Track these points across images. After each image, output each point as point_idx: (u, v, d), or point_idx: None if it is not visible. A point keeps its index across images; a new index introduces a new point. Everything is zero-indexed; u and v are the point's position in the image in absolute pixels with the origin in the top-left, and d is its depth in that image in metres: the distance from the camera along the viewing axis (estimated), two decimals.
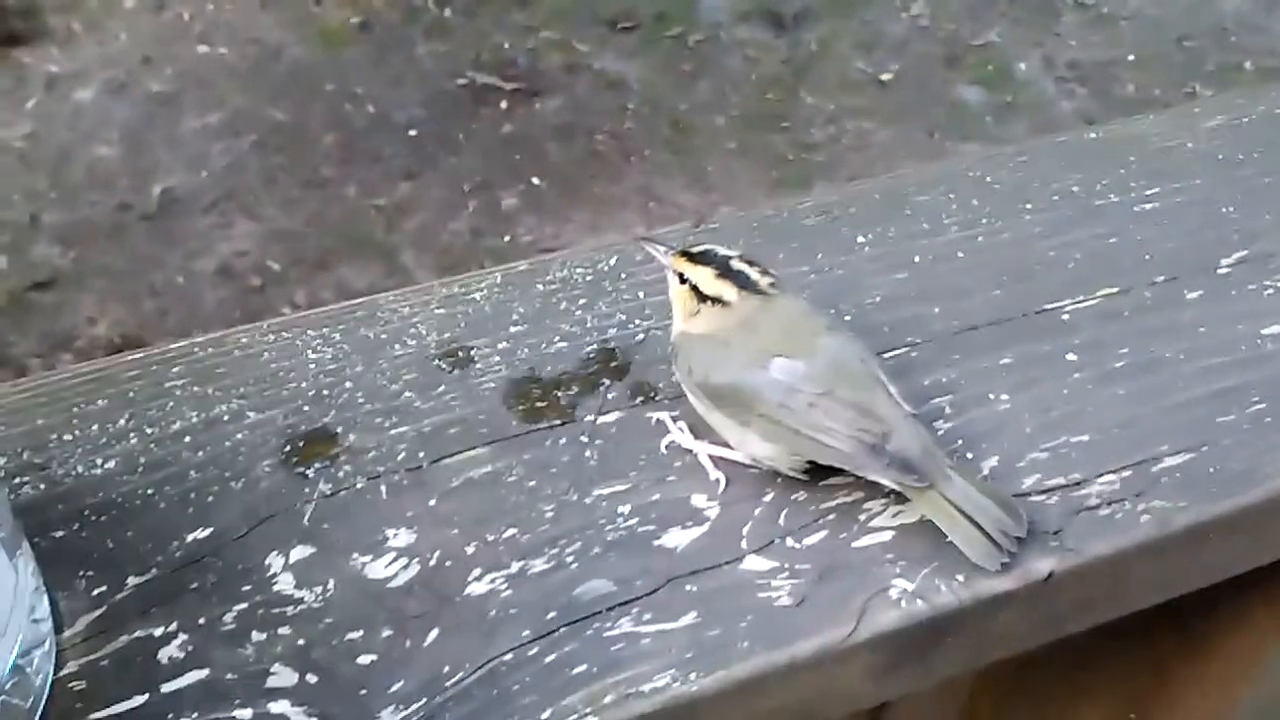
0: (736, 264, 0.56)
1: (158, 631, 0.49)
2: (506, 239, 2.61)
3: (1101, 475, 0.55)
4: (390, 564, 0.52)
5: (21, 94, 2.85)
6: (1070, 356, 0.60)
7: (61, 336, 2.36)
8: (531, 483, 0.55)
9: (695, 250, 0.57)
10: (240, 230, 2.65)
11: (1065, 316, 0.62)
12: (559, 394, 0.58)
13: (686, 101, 2.92)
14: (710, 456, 0.56)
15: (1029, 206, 0.68)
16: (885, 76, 3.05)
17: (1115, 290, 0.63)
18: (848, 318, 0.61)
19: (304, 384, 0.58)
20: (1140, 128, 0.73)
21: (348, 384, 0.58)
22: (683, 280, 0.56)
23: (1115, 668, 0.78)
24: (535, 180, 2.74)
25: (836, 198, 0.68)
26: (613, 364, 0.60)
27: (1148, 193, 0.69)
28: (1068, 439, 0.57)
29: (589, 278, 0.63)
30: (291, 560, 0.52)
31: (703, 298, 0.56)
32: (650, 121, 2.87)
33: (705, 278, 0.56)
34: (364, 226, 2.65)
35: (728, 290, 0.55)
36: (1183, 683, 0.74)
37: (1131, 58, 3.09)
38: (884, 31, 3.15)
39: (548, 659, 0.49)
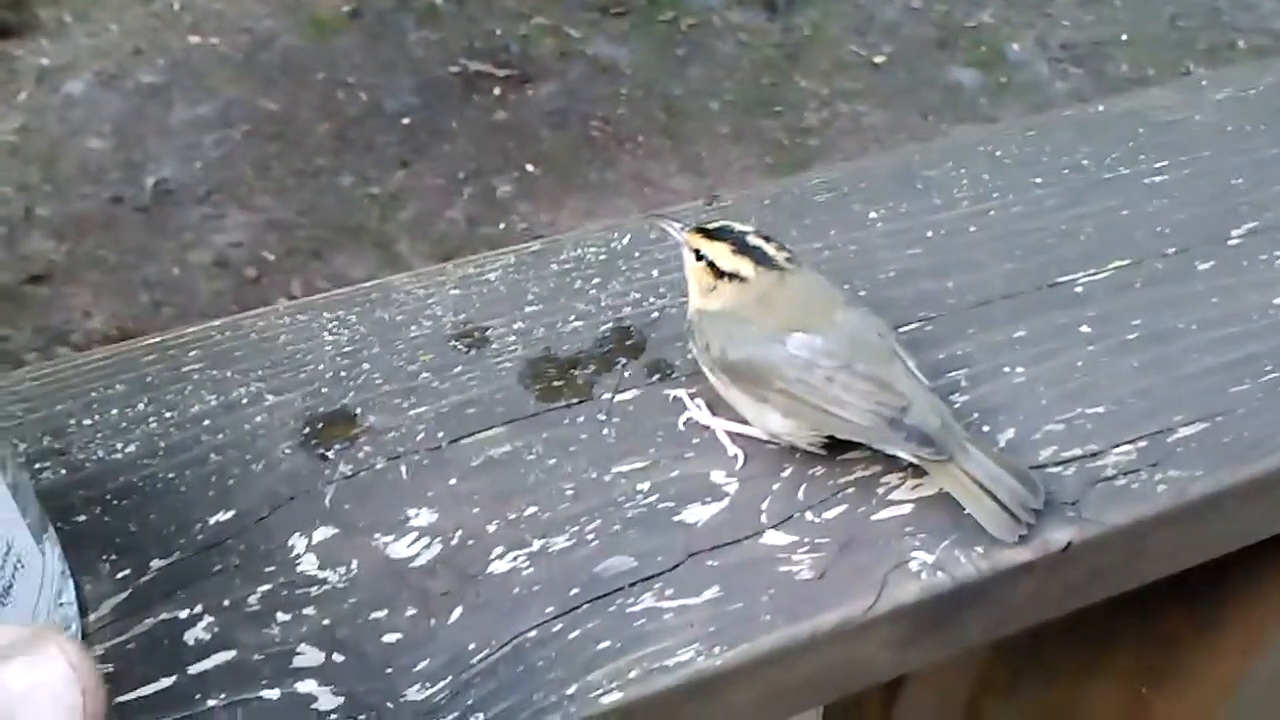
0: (753, 239, 0.56)
1: (183, 614, 0.49)
2: (501, 226, 2.61)
3: (1117, 446, 0.56)
4: (412, 543, 0.52)
5: (12, 87, 2.84)
6: (1084, 329, 0.60)
7: (57, 330, 2.35)
8: (551, 461, 0.55)
9: (711, 226, 0.57)
10: (234, 221, 2.64)
11: (1078, 289, 0.62)
12: (576, 373, 0.58)
13: (680, 86, 2.92)
14: (728, 432, 0.56)
15: (1039, 180, 0.68)
16: (878, 59, 3.05)
17: (1127, 262, 0.63)
18: (862, 293, 0.62)
19: (321, 366, 0.59)
20: (1147, 101, 0.73)
21: (365, 365, 0.58)
22: (699, 257, 0.57)
23: (1127, 640, 0.79)
24: (529, 167, 2.73)
25: (845, 173, 0.69)
26: (628, 342, 0.60)
27: (1157, 165, 0.69)
28: (1083, 410, 0.57)
29: (602, 256, 0.64)
30: (314, 541, 0.52)
31: (719, 274, 0.56)
32: (643, 107, 2.87)
33: (722, 253, 0.56)
34: (358, 215, 2.65)
35: (745, 266, 0.56)
36: (1193, 655, 0.74)
37: (1125, 37, 3.09)
38: (876, 14, 3.15)
39: (571, 635, 0.49)
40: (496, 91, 2.90)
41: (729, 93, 2.92)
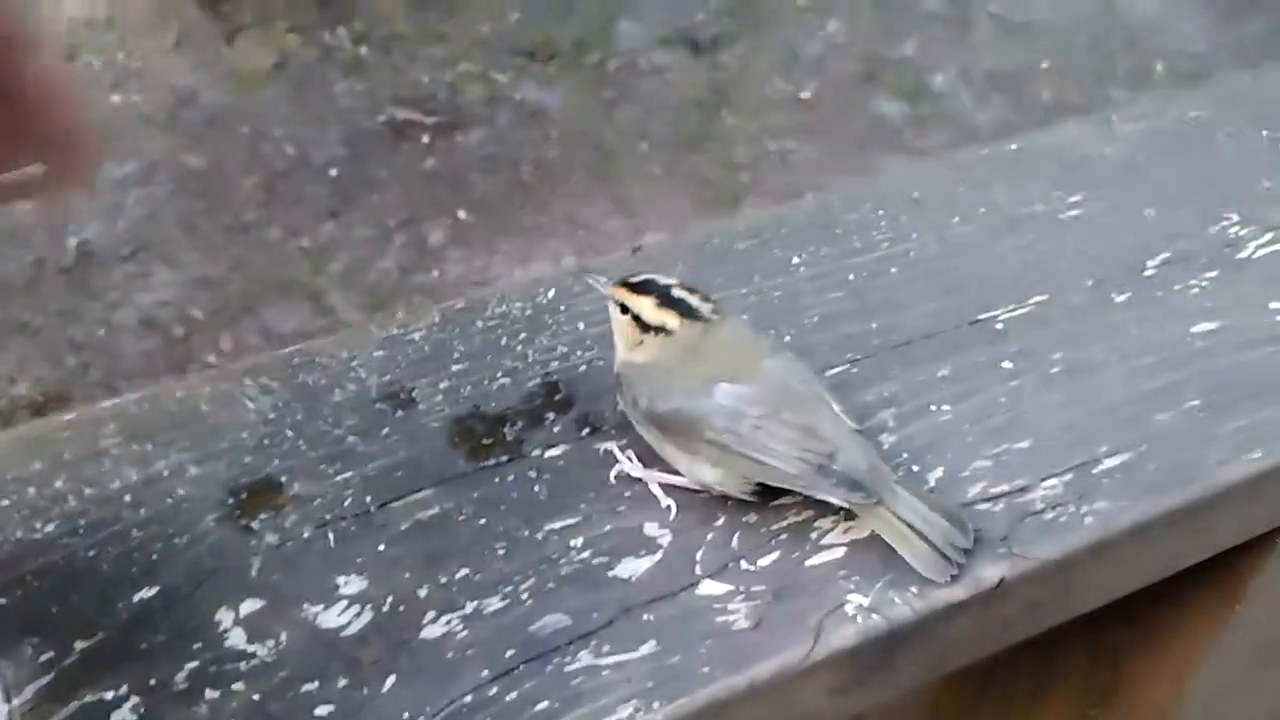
0: (677, 292, 0.57)
1: (109, 695, 0.48)
2: (435, 274, 2.60)
3: (1045, 480, 0.57)
4: (343, 612, 0.52)
5: None
6: (1006, 364, 0.61)
7: None
8: (482, 521, 0.55)
9: (635, 280, 0.57)
10: (161, 279, 2.61)
11: (999, 325, 0.63)
12: (505, 430, 0.58)
13: (609, 128, 2.94)
14: (660, 484, 0.56)
15: (956, 220, 0.69)
16: (805, 94, 3.09)
17: (1046, 297, 0.65)
18: (788, 338, 0.62)
19: (244, 434, 0.58)
20: (1059, 137, 0.75)
21: (289, 432, 0.58)
22: (624, 311, 0.57)
23: (1074, 663, 0.79)
24: (461, 214, 2.73)
25: (767, 218, 0.69)
26: (557, 397, 0.60)
27: (1070, 200, 0.70)
28: (1009, 446, 0.58)
29: (528, 312, 0.64)
30: (242, 614, 0.51)
31: (646, 327, 0.56)
32: (574, 149, 2.89)
33: (647, 307, 0.56)
34: (288, 269, 2.63)
35: (670, 319, 0.56)
36: (1136, 675, 0.75)
37: (1045, 65, 3.16)
38: (801, 50, 3.20)
39: (508, 697, 0.49)
40: (425, 139, 2.90)
41: (658, 133, 2.94)
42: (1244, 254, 0.67)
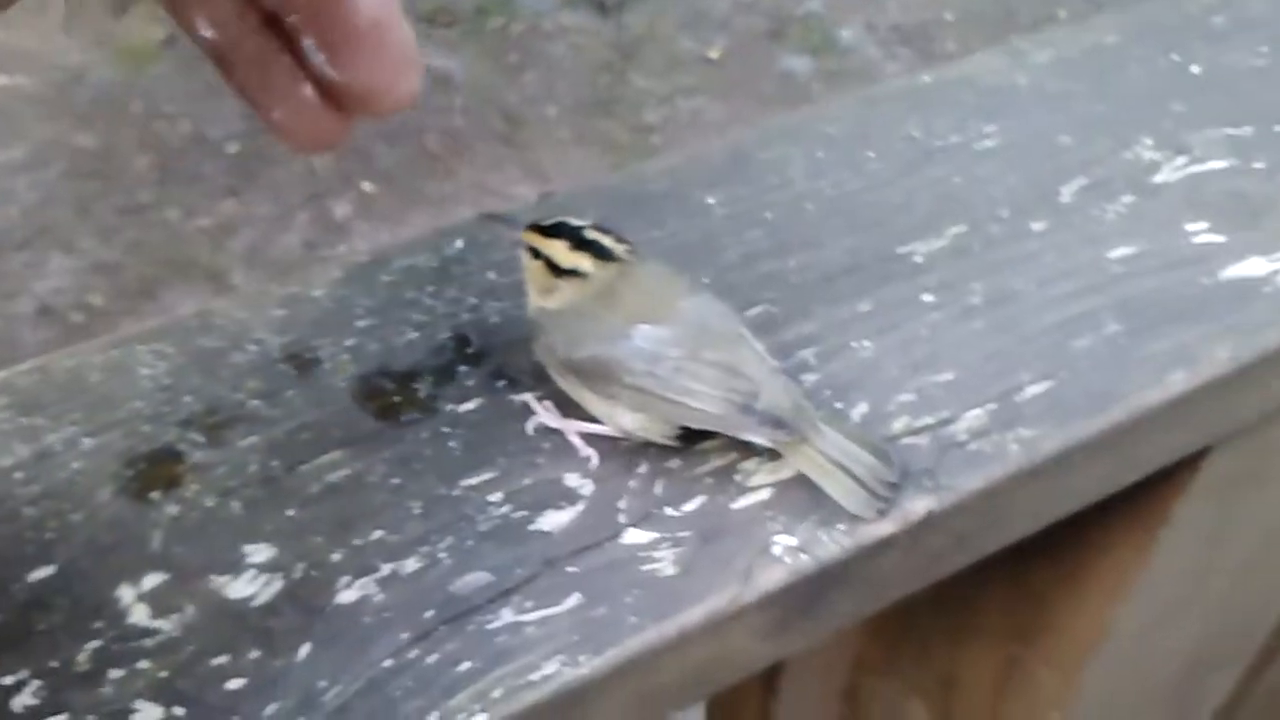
0: (590, 233, 0.55)
1: (8, 680, 0.46)
2: (342, 248, 2.56)
3: (968, 410, 0.56)
4: (252, 582, 0.49)
5: None
6: (926, 297, 0.61)
7: None
8: (395, 481, 0.53)
9: (546, 223, 0.56)
10: (57, 266, 2.53)
11: (918, 259, 0.63)
12: (415, 386, 0.56)
13: (515, 93, 2.91)
14: (579, 434, 0.55)
15: (872, 155, 0.68)
16: (713, 53, 3.08)
17: (964, 228, 0.64)
18: (706, 280, 0.61)
19: (140, 403, 0.55)
20: (972, 69, 0.75)
21: (187, 398, 0.56)
22: (536, 255, 0.55)
23: (995, 603, 0.80)
24: (366, 186, 2.69)
25: (681, 161, 0.68)
26: (469, 350, 0.58)
27: (985, 131, 0.70)
28: (932, 378, 0.57)
29: (434, 264, 0.62)
30: (144, 590, 0.49)
31: (558, 271, 0.55)
32: (480, 116, 2.85)
33: (560, 251, 0.55)
34: (189, 249, 2.56)
35: (584, 261, 0.54)
36: (1060, 610, 0.76)
37: (950, 17, 3.19)
38: (707, 9, 3.19)
39: (429, 660, 0.47)
40: None
41: (566, 96, 2.92)
42: (1158, 178, 0.67)
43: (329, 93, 0.44)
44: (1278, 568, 0.83)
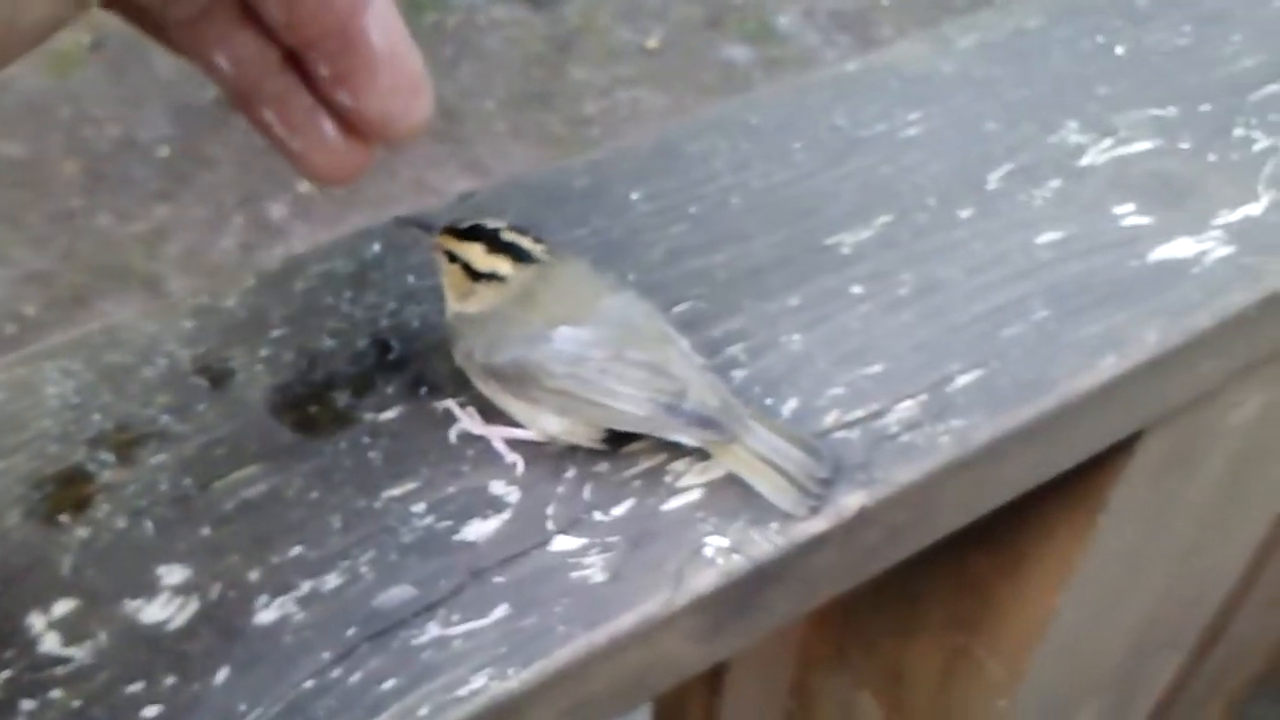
0: (507, 235, 0.54)
1: None
2: (279, 250, 2.52)
3: (899, 402, 0.56)
4: (166, 605, 0.48)
5: None
6: (855, 289, 0.60)
7: None
8: (314, 494, 0.52)
9: (462, 226, 0.54)
10: None
11: (846, 250, 0.62)
12: (333, 396, 0.55)
13: (451, 87, 2.88)
14: (504, 440, 0.54)
15: (798, 145, 0.68)
16: (651, 43, 3.07)
17: (891, 218, 0.64)
18: (631, 277, 0.60)
19: (46, 422, 0.54)
20: (897, 56, 0.74)
21: (96, 416, 0.54)
22: (452, 260, 0.54)
23: (938, 594, 0.80)
24: (303, 187, 2.65)
25: (604, 155, 0.67)
26: (389, 356, 0.57)
27: (911, 118, 0.70)
28: (862, 371, 0.57)
29: (352, 269, 0.60)
30: (54, 616, 0.48)
31: (476, 275, 0.54)
32: None
33: (477, 254, 0.53)
34: (122, 256, 2.52)
35: (501, 264, 0.53)
36: (1003, 599, 0.76)
37: (886, 2, 3.20)
38: None
39: (353, 679, 0.46)
40: None
41: (502, 90, 2.89)
42: (1085, 161, 0.67)
43: (348, 124, 0.47)
44: (1217, 548, 0.84)
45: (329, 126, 0.47)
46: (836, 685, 0.89)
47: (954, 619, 0.79)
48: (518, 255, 0.53)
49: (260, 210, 2.59)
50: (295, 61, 0.46)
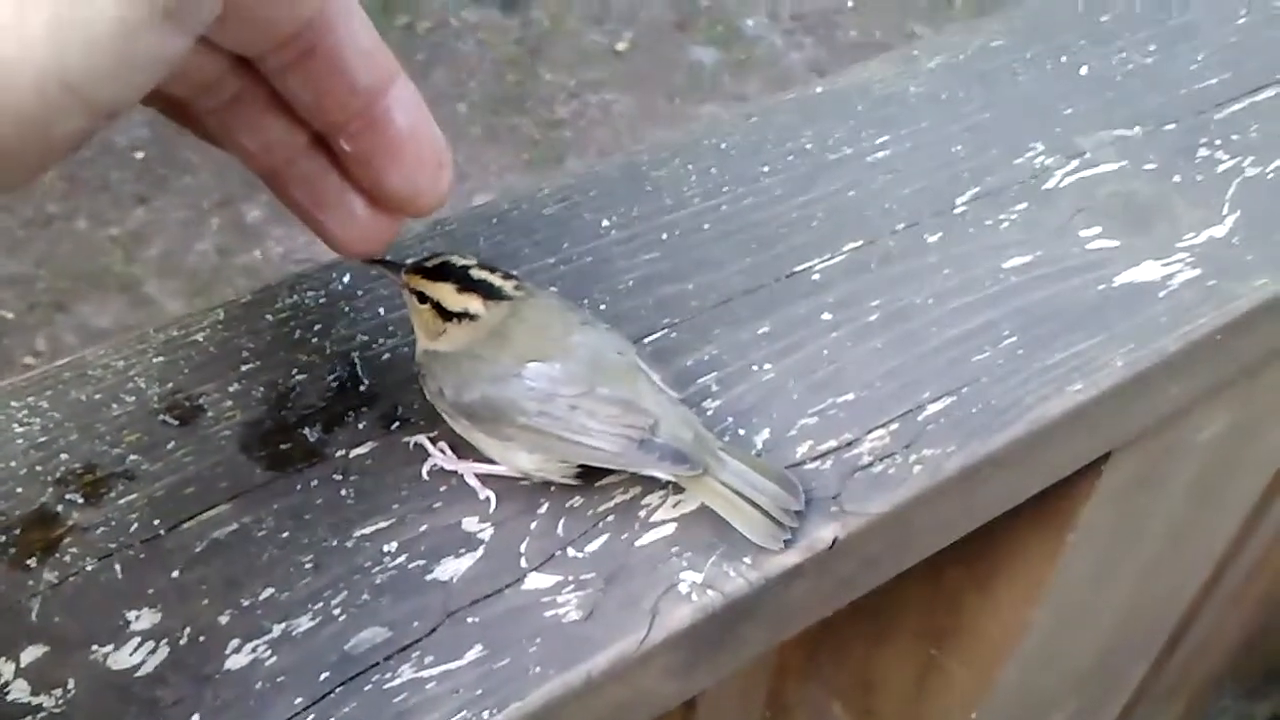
0: (477, 273, 0.52)
1: None
2: (257, 253, 2.49)
3: (871, 431, 0.54)
4: (135, 650, 0.46)
5: None
6: (826, 316, 0.59)
7: None
8: (285, 534, 0.50)
9: (431, 265, 0.52)
10: None
11: (816, 276, 0.61)
12: (304, 431, 0.53)
13: (424, 91, 2.84)
14: (477, 475, 0.52)
15: (766, 169, 0.66)
16: (621, 46, 3.05)
17: (860, 243, 0.62)
18: (602, 306, 0.59)
19: (13, 463, 0.52)
20: (864, 76, 0.73)
21: (63, 455, 0.52)
22: (423, 300, 0.52)
23: (912, 606, 0.79)
24: None
25: (574, 182, 0.65)
26: (360, 390, 0.55)
27: (878, 141, 0.68)
28: (834, 400, 0.55)
29: (322, 300, 0.58)
30: (23, 664, 0.46)
31: (448, 315, 0.52)
32: None
33: (448, 294, 0.52)
34: (100, 260, 2.48)
35: (473, 303, 0.51)
36: (975, 613, 0.75)
37: (851, 4, 3.18)
38: (613, 1, 3.15)
39: None
40: None
41: (475, 93, 2.87)
42: (1051, 184, 0.66)
43: (374, 198, 0.48)
44: (1184, 560, 0.83)
45: (356, 202, 0.48)
46: (810, 695, 0.88)
47: (926, 631, 0.78)
48: (489, 293, 0.52)
49: (237, 213, 2.56)
50: (322, 143, 0.47)
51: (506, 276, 0.52)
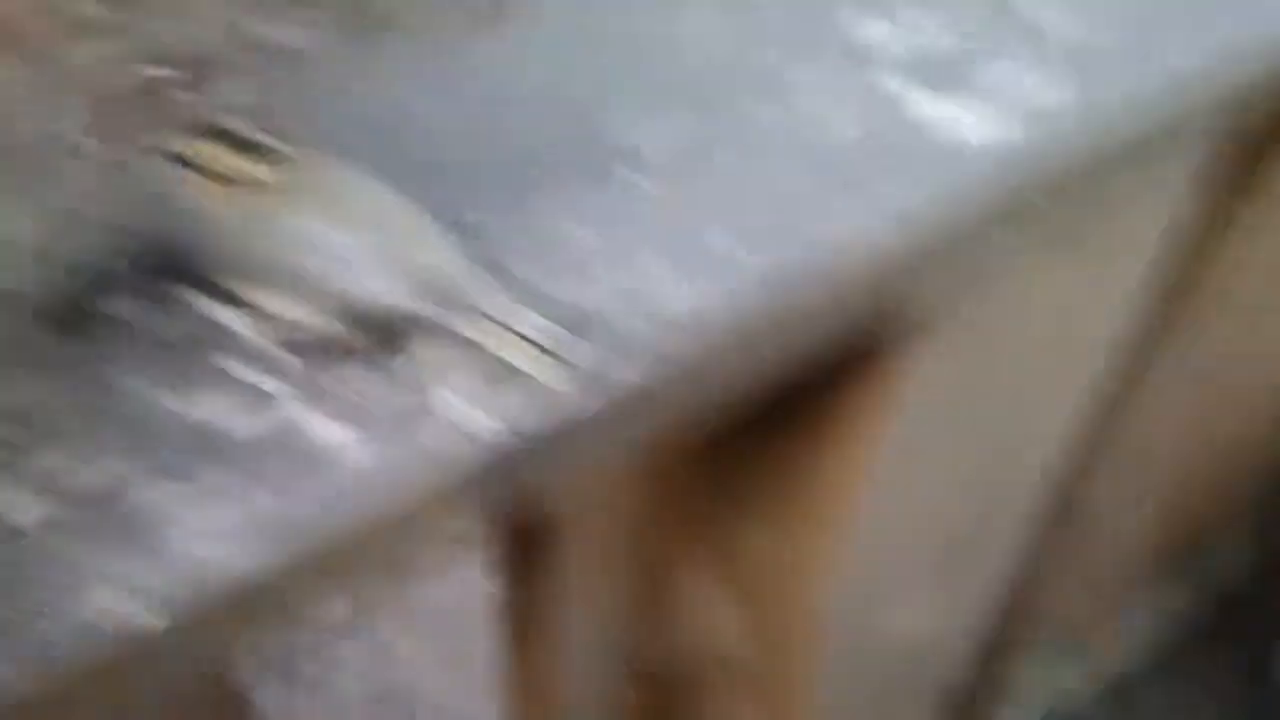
0: (256, 134, 0.51)
1: None
2: None
3: (676, 289, 0.54)
4: None
5: None
6: (636, 177, 0.58)
7: None
8: (72, 399, 0.49)
9: (208, 124, 0.52)
10: None
11: (628, 141, 0.59)
12: (91, 297, 0.52)
13: None
14: (266, 335, 0.51)
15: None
16: None
17: (678, 107, 0.61)
18: (399, 164, 0.57)
19: None
20: None
21: None
22: (198, 164, 0.51)
23: (758, 479, 0.78)
24: None
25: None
26: (155, 256, 0.53)
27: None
28: (636, 256, 0.55)
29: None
30: None
31: (227, 180, 0.51)
32: None
33: (224, 156, 0.51)
34: None
35: (252, 165, 0.50)
36: (816, 478, 0.74)
37: None
38: None
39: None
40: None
41: None
42: (862, 39, 0.65)
43: None
44: (1038, 413, 0.83)
45: None
46: (685, 572, 0.87)
47: (777, 498, 0.77)
48: (266, 154, 0.51)
49: None
50: None
51: (284, 138, 0.51)
